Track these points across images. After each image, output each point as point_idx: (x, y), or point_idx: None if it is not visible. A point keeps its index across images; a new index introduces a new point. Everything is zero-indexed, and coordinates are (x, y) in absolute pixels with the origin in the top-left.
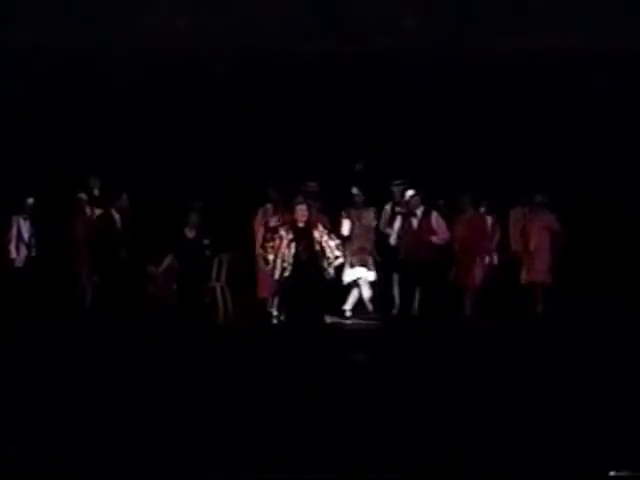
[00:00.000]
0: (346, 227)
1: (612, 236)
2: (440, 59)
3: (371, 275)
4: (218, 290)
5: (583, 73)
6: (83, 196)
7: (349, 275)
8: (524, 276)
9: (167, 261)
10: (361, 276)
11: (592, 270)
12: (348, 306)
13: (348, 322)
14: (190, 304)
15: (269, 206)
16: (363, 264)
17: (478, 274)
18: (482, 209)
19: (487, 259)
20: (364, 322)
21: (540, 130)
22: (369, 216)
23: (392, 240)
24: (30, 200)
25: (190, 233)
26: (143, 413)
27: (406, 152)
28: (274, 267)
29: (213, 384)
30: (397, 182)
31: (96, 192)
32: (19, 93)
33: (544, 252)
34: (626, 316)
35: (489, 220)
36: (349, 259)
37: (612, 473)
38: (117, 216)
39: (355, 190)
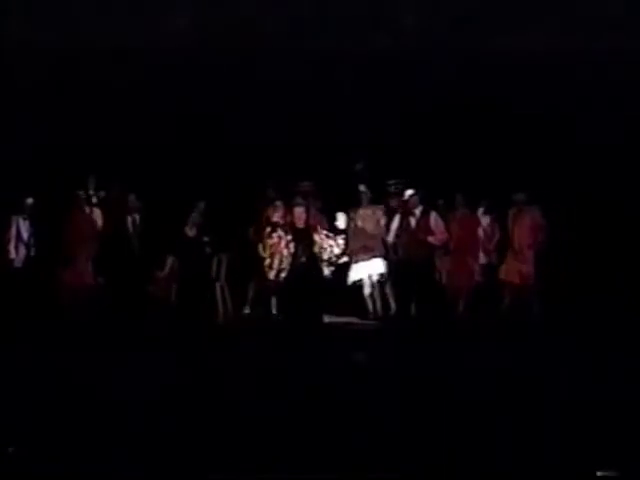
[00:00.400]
0: (341, 220)
1: (612, 236)
2: (440, 59)
3: (374, 273)
4: (218, 289)
5: (583, 73)
6: (82, 194)
7: (352, 275)
8: (503, 274)
9: (169, 262)
10: (362, 277)
11: (591, 270)
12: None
13: (347, 322)
14: (190, 303)
15: (278, 203)
16: (364, 262)
17: (472, 274)
18: (481, 209)
19: (484, 259)
20: (364, 322)
21: (540, 130)
22: (377, 214)
23: (390, 239)
24: (30, 200)
25: (191, 232)
26: (143, 413)
27: (406, 152)
28: (270, 267)
29: (213, 384)
30: (391, 182)
31: (95, 194)
32: (19, 93)
33: (529, 253)
34: (626, 316)
35: (486, 220)
36: (353, 258)
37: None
38: (130, 218)
39: (363, 188)
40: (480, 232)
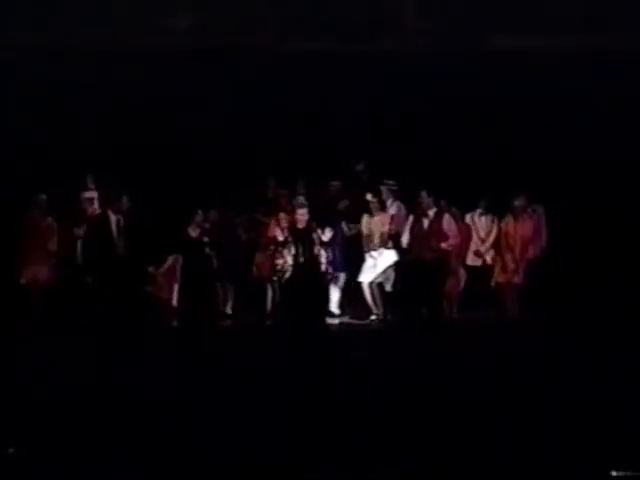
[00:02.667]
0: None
1: (612, 236)
2: (440, 59)
3: (368, 276)
4: (219, 289)
5: (582, 73)
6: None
7: (364, 273)
8: (495, 277)
9: (170, 261)
10: (362, 280)
11: (591, 270)
12: (372, 308)
13: (349, 322)
14: (191, 304)
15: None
16: (370, 266)
17: (459, 278)
18: (479, 210)
19: (476, 261)
20: (364, 322)
21: (540, 130)
22: (383, 221)
23: (404, 240)
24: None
25: (194, 232)
26: (143, 413)
27: (406, 152)
28: (274, 267)
29: (213, 384)
30: (389, 182)
31: (93, 194)
32: (19, 93)
33: (515, 254)
34: (626, 316)
35: (482, 221)
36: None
37: (614, 473)
38: (114, 217)
39: (369, 196)
40: (475, 234)
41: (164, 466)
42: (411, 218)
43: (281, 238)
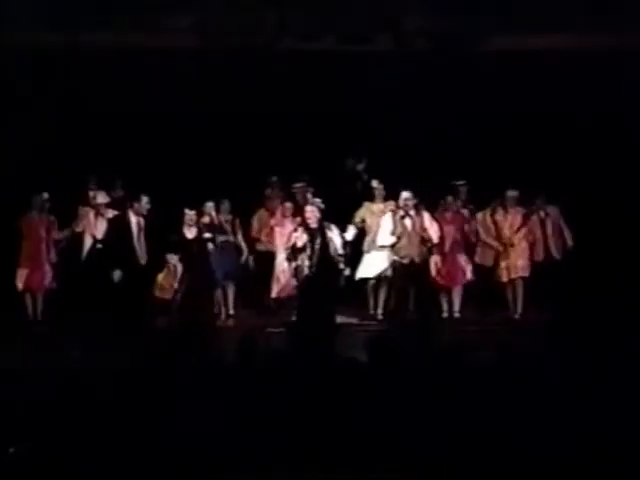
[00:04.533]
0: (351, 232)
1: (613, 236)
2: (440, 59)
3: (381, 271)
4: (219, 290)
5: (583, 73)
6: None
7: (361, 272)
8: (504, 274)
9: (169, 260)
10: (369, 275)
11: (592, 270)
12: (379, 309)
13: (347, 322)
14: (191, 303)
15: (289, 205)
16: (373, 259)
17: (465, 272)
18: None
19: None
20: (364, 322)
21: (541, 130)
22: (387, 210)
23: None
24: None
25: (190, 233)
26: (143, 413)
27: (406, 152)
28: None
29: (213, 384)
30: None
31: (100, 197)
32: (19, 93)
33: (520, 248)
34: (626, 316)
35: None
36: (364, 255)
37: None
38: (134, 218)
39: (375, 183)
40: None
41: (163, 466)
42: (389, 217)
43: (297, 238)
